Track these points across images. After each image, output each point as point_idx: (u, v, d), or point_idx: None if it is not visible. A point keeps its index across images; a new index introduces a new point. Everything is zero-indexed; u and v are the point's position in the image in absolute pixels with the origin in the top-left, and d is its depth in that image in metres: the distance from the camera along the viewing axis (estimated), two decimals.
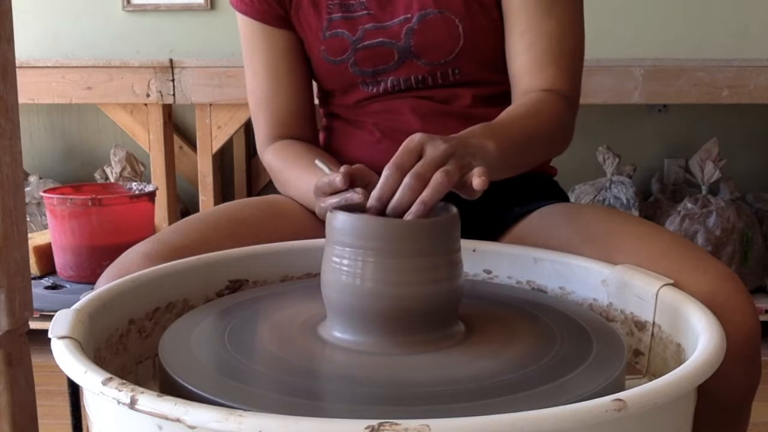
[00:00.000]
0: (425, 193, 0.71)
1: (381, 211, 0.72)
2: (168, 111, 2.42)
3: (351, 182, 0.77)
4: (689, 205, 2.35)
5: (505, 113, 0.96)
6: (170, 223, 2.39)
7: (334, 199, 0.77)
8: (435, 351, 0.70)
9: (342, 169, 0.77)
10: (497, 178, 0.77)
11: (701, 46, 2.59)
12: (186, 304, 0.87)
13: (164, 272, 0.85)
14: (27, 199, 2.54)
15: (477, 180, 0.72)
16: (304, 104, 1.15)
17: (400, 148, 0.74)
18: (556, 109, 0.99)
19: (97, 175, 2.66)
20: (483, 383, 0.64)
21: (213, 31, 2.70)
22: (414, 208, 0.71)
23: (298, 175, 1.06)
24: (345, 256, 0.70)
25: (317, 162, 0.84)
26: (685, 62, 2.30)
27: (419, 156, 0.73)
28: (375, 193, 0.73)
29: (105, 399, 0.57)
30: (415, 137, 0.74)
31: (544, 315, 0.80)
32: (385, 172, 0.73)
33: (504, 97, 1.09)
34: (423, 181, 0.71)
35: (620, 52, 2.50)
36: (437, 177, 0.71)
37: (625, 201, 2.40)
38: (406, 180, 0.71)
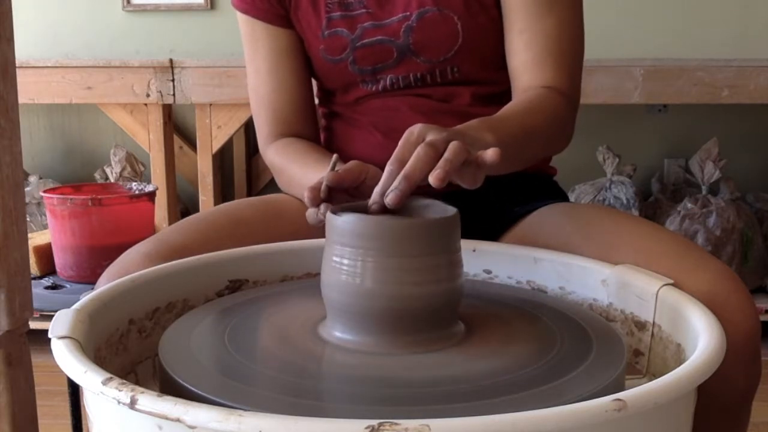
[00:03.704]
0: (448, 153, 0.69)
1: (384, 207, 0.71)
2: (168, 111, 2.42)
3: (340, 183, 0.78)
4: (689, 205, 2.35)
5: (504, 109, 0.95)
6: (170, 223, 2.39)
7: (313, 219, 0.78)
8: (435, 351, 0.70)
9: (326, 180, 0.77)
10: (496, 172, 0.77)
11: (701, 46, 2.59)
12: (186, 304, 0.87)
13: (164, 272, 0.85)
14: (27, 199, 2.54)
15: (491, 152, 0.70)
16: (305, 102, 1.15)
17: (401, 142, 0.73)
18: (555, 106, 0.99)
19: (97, 175, 2.66)
20: (483, 383, 0.64)
21: (213, 31, 2.70)
22: (439, 169, 0.67)
23: (301, 173, 1.06)
24: (345, 256, 0.70)
25: (334, 158, 0.83)
26: (685, 62, 2.30)
27: None
28: (378, 189, 0.72)
29: (105, 399, 0.57)
30: (414, 129, 0.74)
31: (544, 315, 0.80)
32: (387, 168, 0.72)
33: (503, 97, 1.09)
34: (436, 149, 0.70)
35: (620, 52, 2.50)
36: (453, 144, 0.70)
37: (625, 201, 2.40)
38: (419, 149, 0.70)
